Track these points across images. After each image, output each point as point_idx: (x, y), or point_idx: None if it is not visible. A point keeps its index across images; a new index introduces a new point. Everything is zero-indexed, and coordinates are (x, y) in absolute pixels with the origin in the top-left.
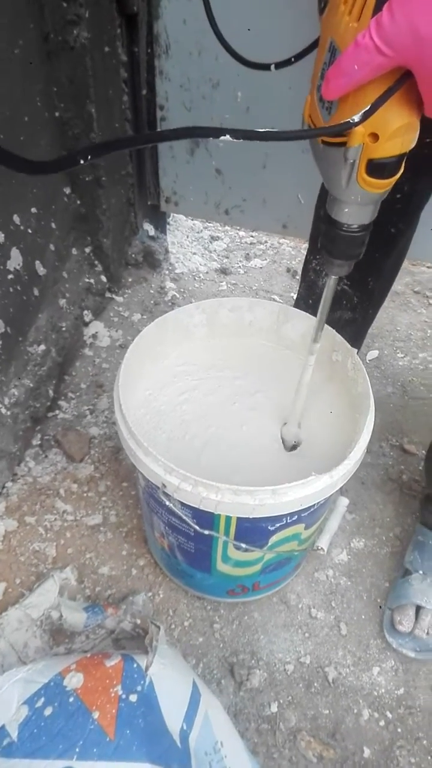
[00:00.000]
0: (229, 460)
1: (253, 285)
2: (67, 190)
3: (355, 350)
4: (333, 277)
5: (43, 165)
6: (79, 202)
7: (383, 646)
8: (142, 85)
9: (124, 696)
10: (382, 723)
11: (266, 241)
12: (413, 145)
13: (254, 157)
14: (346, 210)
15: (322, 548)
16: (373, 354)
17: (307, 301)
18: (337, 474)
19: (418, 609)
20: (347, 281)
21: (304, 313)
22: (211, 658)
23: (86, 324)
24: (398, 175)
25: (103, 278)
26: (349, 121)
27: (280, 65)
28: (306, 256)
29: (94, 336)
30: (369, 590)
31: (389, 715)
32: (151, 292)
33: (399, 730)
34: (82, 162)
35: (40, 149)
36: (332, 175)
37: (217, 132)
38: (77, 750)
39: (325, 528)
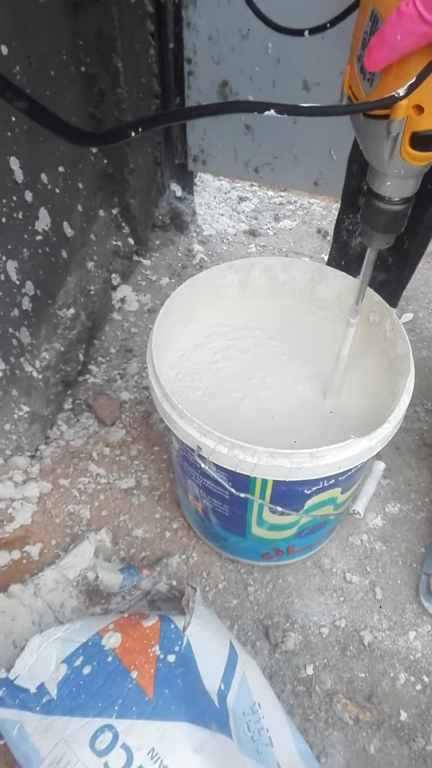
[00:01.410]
0: (267, 411)
1: (282, 247)
2: (94, 149)
3: (394, 310)
4: (374, 250)
5: (97, 137)
6: (105, 161)
7: (419, 611)
8: (170, 37)
9: (162, 656)
10: (418, 687)
11: (296, 201)
12: None
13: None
14: (388, 183)
15: (358, 512)
16: (407, 317)
17: (339, 262)
18: (376, 437)
19: None
20: None
21: (341, 272)
22: (246, 621)
23: (114, 288)
24: None
25: (131, 241)
26: (393, 95)
27: (314, 31)
28: (338, 215)
29: (123, 300)
30: (404, 555)
31: (426, 679)
32: (179, 255)
33: None
34: (132, 134)
35: (65, 104)
36: (374, 149)
37: (262, 107)
38: (116, 708)
39: (361, 492)
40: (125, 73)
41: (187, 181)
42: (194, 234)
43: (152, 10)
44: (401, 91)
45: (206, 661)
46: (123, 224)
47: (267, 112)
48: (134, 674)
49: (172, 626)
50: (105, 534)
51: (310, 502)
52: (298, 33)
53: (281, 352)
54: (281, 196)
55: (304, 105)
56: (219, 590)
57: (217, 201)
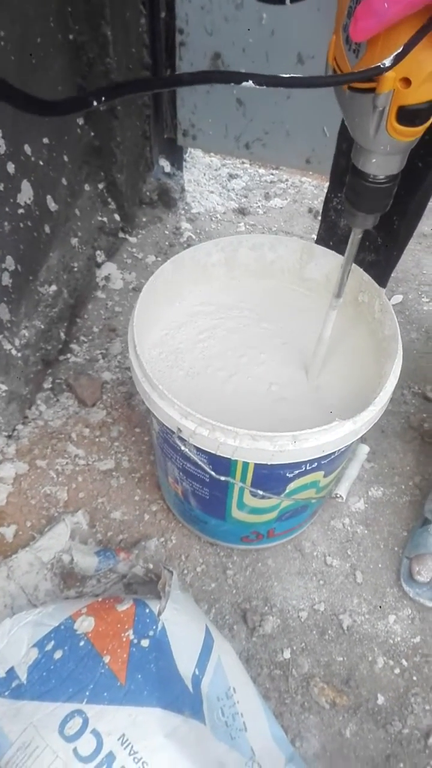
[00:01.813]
0: (253, 390)
1: (272, 226)
2: (80, 121)
3: (383, 290)
4: (357, 230)
5: (51, 105)
6: (92, 134)
7: (399, 595)
8: (161, 6)
9: (135, 641)
10: (397, 671)
11: (287, 180)
12: None
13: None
14: (374, 160)
15: (340, 496)
16: (397, 298)
17: (327, 242)
18: (360, 420)
19: None
20: None
21: (330, 251)
22: (224, 604)
23: (99, 265)
24: (430, 122)
25: (117, 217)
26: (379, 66)
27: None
28: (326, 194)
29: (107, 278)
30: (386, 539)
31: (404, 663)
32: (166, 233)
33: (414, 678)
34: (94, 104)
35: (52, 73)
36: (359, 124)
37: (239, 77)
38: (87, 694)
39: (344, 476)
40: (114, 42)
41: (177, 157)
42: (182, 211)
43: None
44: (387, 62)
45: (181, 646)
46: (109, 200)
47: (245, 83)
48: (107, 659)
49: (147, 610)
50: (82, 516)
51: (291, 486)
52: (280, 1)
53: (269, 332)
54: (272, 174)
55: (284, 75)
56: (197, 573)
57: (206, 178)
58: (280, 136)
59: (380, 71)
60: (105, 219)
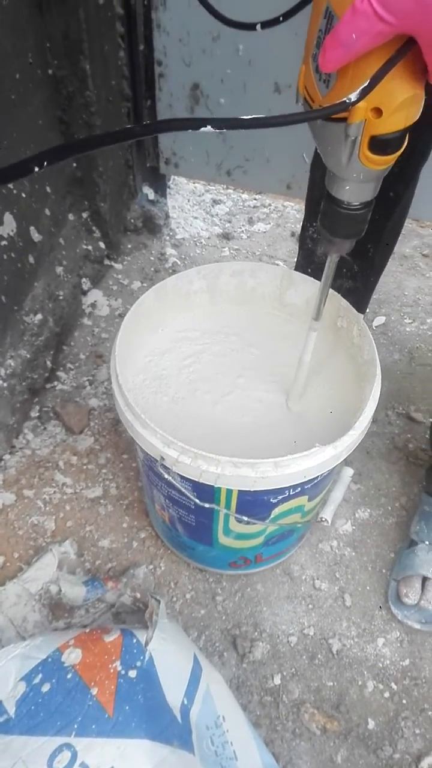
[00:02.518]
0: (237, 415)
1: (256, 250)
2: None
3: (361, 316)
4: (334, 255)
5: None
6: (75, 164)
7: (388, 617)
8: (140, 39)
9: (123, 672)
10: (387, 694)
11: (270, 204)
12: (418, 116)
13: (257, 114)
14: (347, 187)
15: (326, 519)
16: (379, 320)
17: (306, 269)
18: (341, 445)
19: (425, 580)
20: None
21: (309, 277)
22: (213, 631)
23: (84, 292)
24: (401, 150)
25: (102, 245)
26: (345, 101)
27: (266, 24)
28: (303, 222)
29: (93, 305)
30: (374, 561)
31: (394, 686)
32: (152, 258)
33: (404, 701)
34: (36, 169)
35: (32, 108)
36: (332, 152)
37: (196, 124)
38: (75, 727)
39: (329, 499)
40: (93, 75)
41: (160, 184)
42: (167, 237)
43: (122, 11)
44: (353, 96)
45: (169, 676)
46: (93, 228)
47: (203, 129)
48: (94, 691)
49: (134, 641)
50: (69, 546)
51: (276, 511)
52: (251, 27)
53: (252, 357)
54: (255, 199)
55: (244, 117)
56: (186, 600)
57: (190, 204)
58: (261, 162)
59: (346, 106)
60: (90, 247)
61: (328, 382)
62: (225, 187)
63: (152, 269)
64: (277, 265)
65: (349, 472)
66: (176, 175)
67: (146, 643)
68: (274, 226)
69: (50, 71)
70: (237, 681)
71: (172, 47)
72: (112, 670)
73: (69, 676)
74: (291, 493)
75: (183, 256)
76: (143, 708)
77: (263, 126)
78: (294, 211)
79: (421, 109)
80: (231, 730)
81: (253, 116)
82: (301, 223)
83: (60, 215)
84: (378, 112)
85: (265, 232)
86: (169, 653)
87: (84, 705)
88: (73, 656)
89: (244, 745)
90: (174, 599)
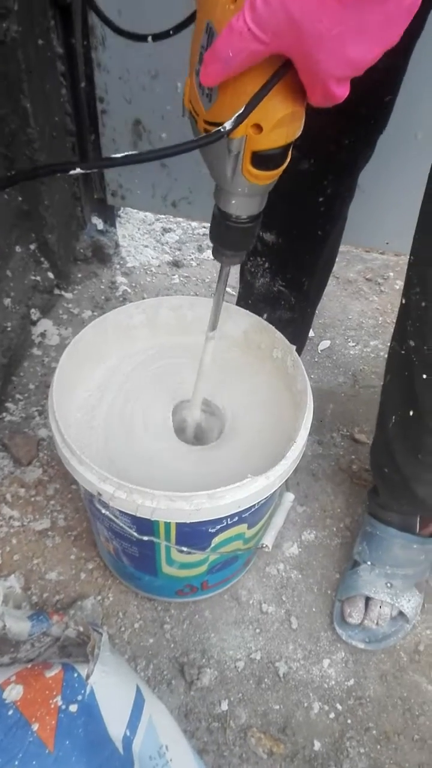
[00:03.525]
0: (176, 448)
1: (206, 277)
2: None
3: (294, 347)
4: (225, 267)
5: None
6: (20, 198)
7: (333, 638)
8: (81, 77)
9: (63, 706)
10: (332, 715)
11: None
12: (299, 133)
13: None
14: (234, 201)
15: (267, 546)
16: (324, 344)
17: (246, 300)
18: (273, 474)
19: (367, 600)
20: (282, 282)
21: (244, 310)
22: (162, 659)
23: (34, 323)
24: (285, 166)
25: (50, 275)
26: (219, 130)
27: (157, 37)
28: None
29: (43, 335)
30: (320, 582)
31: (339, 707)
32: (102, 287)
33: (349, 721)
34: None
35: None
36: (216, 166)
37: (65, 167)
38: (16, 763)
39: (271, 524)
40: (35, 113)
41: (109, 215)
42: (118, 266)
43: (62, 51)
44: (228, 125)
45: (111, 708)
46: (42, 259)
47: (73, 171)
48: (35, 727)
49: (75, 675)
50: (15, 580)
51: (216, 540)
52: (142, 38)
53: (191, 389)
54: (204, 227)
55: (115, 156)
56: (135, 630)
57: (141, 232)
58: (204, 194)
59: (221, 135)
60: (38, 278)
61: (268, 410)
62: (174, 216)
63: (103, 298)
64: (227, 292)
65: (290, 497)
66: (123, 206)
67: (87, 677)
68: None
69: None
70: (185, 708)
71: (112, 85)
72: (52, 706)
73: (10, 712)
74: (229, 522)
75: (134, 284)
76: (84, 742)
77: (135, 162)
78: None
79: (302, 127)
80: (174, 759)
81: (126, 153)
82: None
83: (6, 248)
84: (258, 128)
85: (214, 259)
86: (110, 686)
87: (25, 741)
88: (14, 693)
89: None
90: (122, 629)
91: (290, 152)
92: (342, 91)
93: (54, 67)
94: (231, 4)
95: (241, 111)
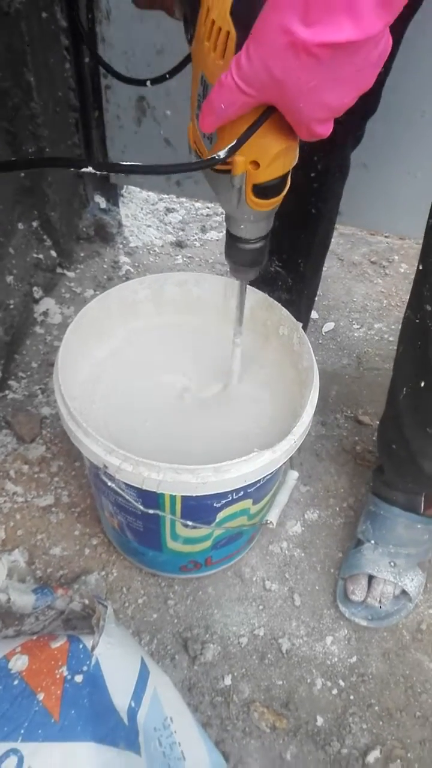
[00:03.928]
0: (182, 423)
1: (209, 258)
2: None
3: (300, 324)
4: (244, 283)
5: None
6: (23, 174)
7: (336, 616)
8: (85, 52)
9: (69, 677)
10: (335, 691)
11: (222, 213)
12: (295, 161)
13: None
14: (242, 226)
15: (271, 522)
16: (329, 326)
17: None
18: (279, 449)
19: (371, 578)
20: (279, 263)
21: (250, 287)
22: (165, 634)
23: (36, 301)
24: (286, 191)
25: (53, 253)
26: (215, 157)
27: (155, 81)
28: None
29: (45, 313)
30: (323, 561)
31: (342, 683)
32: (105, 267)
33: (351, 697)
34: None
35: None
36: (224, 197)
37: (78, 164)
38: (22, 732)
39: (275, 502)
40: (38, 87)
41: (112, 194)
42: (120, 246)
43: (66, 24)
44: (222, 154)
45: (116, 679)
46: (44, 237)
47: (84, 170)
48: (40, 696)
49: (81, 646)
50: (19, 554)
51: (221, 515)
52: (142, 83)
53: (198, 366)
54: (208, 208)
55: (124, 163)
56: (139, 605)
57: (144, 212)
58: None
59: (215, 162)
60: (41, 256)
61: (274, 387)
62: (178, 195)
63: (105, 277)
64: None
65: (294, 475)
66: (127, 185)
67: (92, 648)
68: None
69: None
70: (188, 683)
71: (117, 60)
72: (58, 676)
73: (15, 682)
74: (234, 497)
75: (136, 264)
76: (89, 711)
77: (140, 173)
78: None
79: (297, 156)
80: (179, 731)
81: (132, 163)
82: None
83: (9, 225)
84: (256, 164)
85: (217, 240)
86: (115, 657)
87: (30, 710)
88: (19, 663)
89: (193, 746)
90: (126, 604)
91: (289, 179)
92: (324, 130)
93: (58, 41)
94: (219, 60)
95: (233, 144)
